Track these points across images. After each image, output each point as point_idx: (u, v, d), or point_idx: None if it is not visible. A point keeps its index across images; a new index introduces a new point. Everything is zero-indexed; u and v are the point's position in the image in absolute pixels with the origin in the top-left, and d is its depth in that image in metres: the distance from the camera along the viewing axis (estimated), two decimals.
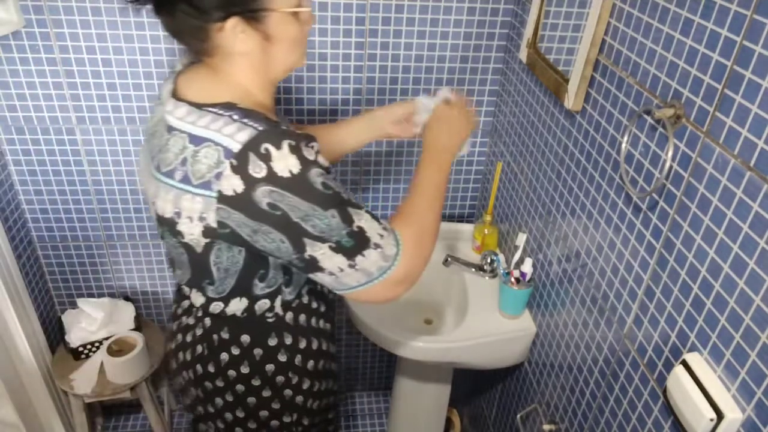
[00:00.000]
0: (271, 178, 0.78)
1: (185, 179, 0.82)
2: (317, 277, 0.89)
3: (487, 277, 1.50)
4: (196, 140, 0.82)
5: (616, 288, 0.99)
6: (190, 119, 0.83)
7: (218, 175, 0.79)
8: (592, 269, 1.07)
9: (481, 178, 1.76)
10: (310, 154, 0.81)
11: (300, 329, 1.02)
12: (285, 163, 0.79)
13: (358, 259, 0.85)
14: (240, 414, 1.04)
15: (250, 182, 0.78)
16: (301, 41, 0.90)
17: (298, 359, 1.03)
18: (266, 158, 0.78)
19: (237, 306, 0.96)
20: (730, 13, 0.71)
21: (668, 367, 0.84)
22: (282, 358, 1.01)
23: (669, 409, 0.80)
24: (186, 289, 1.01)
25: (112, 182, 1.61)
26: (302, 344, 1.03)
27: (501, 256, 1.51)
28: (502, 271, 1.37)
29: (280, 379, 1.02)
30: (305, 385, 1.05)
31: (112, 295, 1.81)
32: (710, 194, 0.75)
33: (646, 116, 0.89)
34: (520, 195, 1.45)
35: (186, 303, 1.04)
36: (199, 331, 1.01)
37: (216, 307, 0.97)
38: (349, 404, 2.21)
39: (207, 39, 0.83)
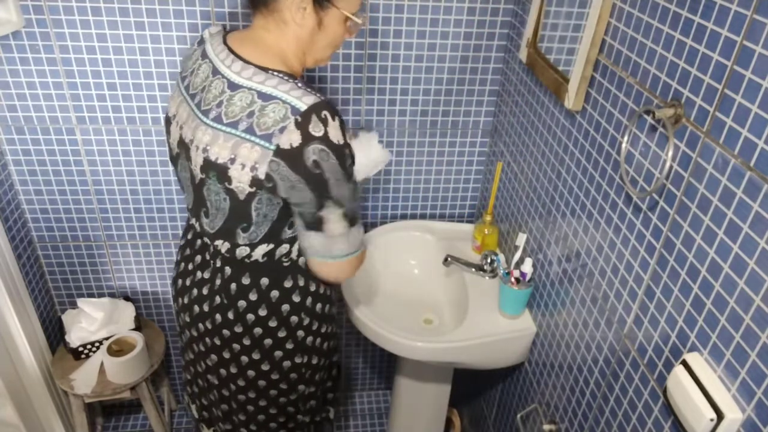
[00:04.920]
0: (325, 139, 0.92)
1: (249, 130, 0.93)
2: (310, 236, 1.02)
3: (487, 277, 1.50)
4: (265, 97, 0.93)
5: (616, 288, 0.99)
6: (258, 79, 0.95)
7: (282, 129, 0.91)
8: (592, 269, 1.07)
9: (481, 178, 1.76)
10: (348, 137, 0.97)
11: (309, 273, 1.13)
12: (336, 132, 0.94)
13: (353, 230, 1.03)
14: (256, 356, 1.15)
15: (307, 138, 0.91)
16: (338, 44, 1.06)
17: (308, 301, 1.14)
18: (324, 123, 0.92)
19: (261, 251, 1.07)
20: (730, 13, 0.71)
21: (668, 367, 0.84)
22: (296, 299, 1.13)
23: (669, 409, 0.80)
24: (207, 240, 1.11)
25: (112, 182, 1.61)
26: (312, 287, 1.15)
27: (501, 256, 1.51)
28: (502, 271, 1.36)
29: (294, 319, 1.14)
30: (314, 326, 1.17)
31: (112, 295, 1.81)
32: (710, 194, 0.75)
33: (646, 116, 0.89)
34: (520, 195, 1.45)
35: (198, 258, 1.15)
36: (218, 282, 1.11)
37: (241, 251, 1.07)
38: (349, 404, 2.21)
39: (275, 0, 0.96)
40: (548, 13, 1.25)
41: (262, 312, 1.11)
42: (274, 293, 1.11)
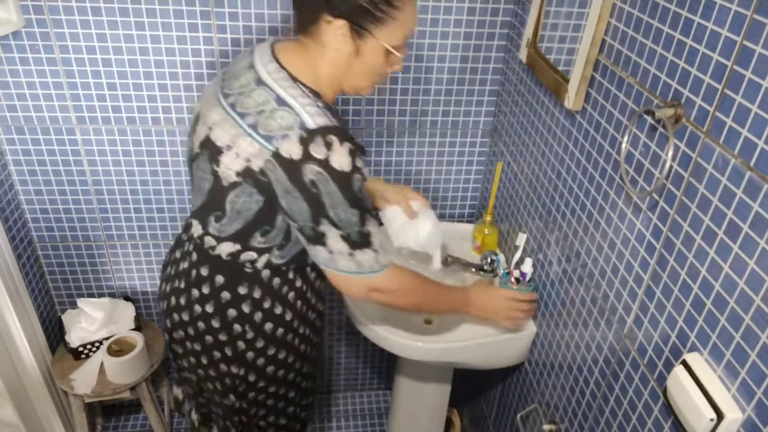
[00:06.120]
0: (325, 163, 0.92)
1: (253, 126, 0.95)
2: (316, 250, 1.02)
3: (487, 277, 1.50)
4: (281, 102, 0.95)
5: (616, 288, 0.99)
6: (283, 84, 0.97)
7: (284, 137, 0.92)
8: (592, 269, 1.07)
9: (481, 178, 1.76)
10: (359, 163, 0.96)
11: (270, 289, 1.11)
12: (340, 159, 0.93)
13: (358, 252, 1.01)
14: (197, 347, 1.15)
15: (306, 157, 0.92)
16: (378, 74, 1.05)
17: (258, 316, 1.11)
18: (328, 146, 0.92)
19: (227, 249, 1.07)
20: (730, 13, 0.71)
21: (668, 367, 0.84)
22: (245, 308, 1.10)
23: (669, 409, 0.80)
24: (190, 219, 1.12)
25: (112, 182, 1.61)
26: (266, 303, 1.11)
27: (501, 256, 1.51)
28: (502, 271, 1.36)
29: (237, 327, 1.11)
30: (259, 344, 1.13)
31: (112, 295, 1.81)
32: (710, 194, 0.75)
33: (646, 116, 0.89)
34: (520, 195, 1.45)
35: (184, 236, 1.16)
36: (183, 265, 1.13)
37: (209, 241, 1.07)
38: (349, 404, 2.21)
39: (316, 22, 0.97)
40: (548, 13, 1.25)
41: (209, 308, 1.10)
42: (225, 294, 1.09)
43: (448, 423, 1.93)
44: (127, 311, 1.75)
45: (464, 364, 1.43)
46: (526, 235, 1.38)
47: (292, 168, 0.93)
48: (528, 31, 1.32)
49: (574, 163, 1.14)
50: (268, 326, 1.12)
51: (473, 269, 1.51)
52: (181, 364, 1.25)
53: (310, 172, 0.92)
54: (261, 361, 1.14)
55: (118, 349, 1.66)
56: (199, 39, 1.42)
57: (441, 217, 1.82)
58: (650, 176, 0.88)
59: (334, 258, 1.01)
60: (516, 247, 1.37)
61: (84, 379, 1.63)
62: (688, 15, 0.79)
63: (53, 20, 1.36)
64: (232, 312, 1.10)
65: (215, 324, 1.11)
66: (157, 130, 1.54)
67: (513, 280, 1.34)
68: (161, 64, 1.45)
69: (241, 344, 1.12)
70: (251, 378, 1.16)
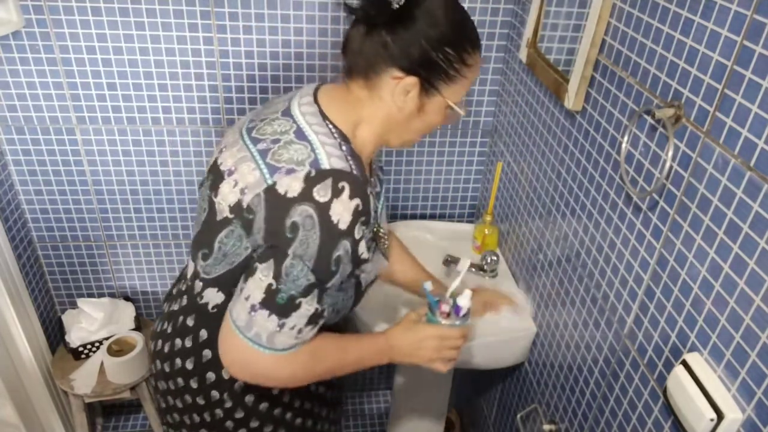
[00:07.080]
0: (322, 209, 0.79)
1: (263, 152, 0.84)
2: (240, 280, 0.87)
3: (487, 278, 1.50)
4: (300, 135, 0.85)
5: (616, 288, 0.99)
6: (310, 120, 0.87)
7: (290, 171, 0.81)
8: (592, 269, 1.07)
9: (481, 178, 1.76)
10: (357, 233, 0.83)
11: None
12: (341, 211, 0.80)
13: (262, 312, 0.83)
14: (179, 405, 1.02)
15: (305, 195, 0.79)
16: (430, 129, 0.95)
17: (237, 385, 0.98)
18: (336, 193, 0.80)
19: (211, 297, 0.95)
20: (730, 13, 0.71)
21: (668, 367, 0.84)
22: (225, 375, 0.97)
23: (669, 409, 0.80)
24: (189, 255, 1.02)
25: (112, 182, 1.61)
26: None
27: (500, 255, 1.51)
28: (430, 298, 1.08)
29: (214, 394, 0.99)
30: (237, 415, 1.00)
31: (112, 295, 1.81)
32: (710, 194, 0.75)
33: (646, 116, 0.89)
34: (520, 195, 1.45)
35: (185, 271, 1.05)
36: (174, 307, 1.02)
37: (197, 286, 0.96)
38: (349, 404, 2.21)
39: (378, 73, 0.86)
40: (548, 13, 1.25)
41: (189, 365, 0.98)
42: (207, 353, 0.97)
43: (448, 423, 1.93)
44: (127, 311, 1.75)
45: (464, 364, 1.42)
46: (470, 261, 1.14)
47: (278, 205, 0.80)
48: (528, 31, 1.32)
49: (574, 163, 1.14)
50: (249, 398, 0.99)
51: (473, 269, 1.51)
52: (167, 420, 1.12)
53: (300, 213, 0.79)
54: (242, 431, 1.02)
55: (118, 349, 1.66)
56: (199, 39, 1.42)
57: (441, 217, 1.82)
58: (650, 176, 0.88)
59: (237, 303, 0.85)
60: (457, 273, 1.10)
61: (84, 379, 1.63)
62: (688, 15, 0.79)
63: (53, 20, 1.36)
64: (210, 375, 0.97)
65: (193, 384, 0.99)
66: (157, 130, 1.54)
67: (443, 311, 1.06)
68: (161, 64, 1.45)
69: (219, 412, 0.99)
70: None
